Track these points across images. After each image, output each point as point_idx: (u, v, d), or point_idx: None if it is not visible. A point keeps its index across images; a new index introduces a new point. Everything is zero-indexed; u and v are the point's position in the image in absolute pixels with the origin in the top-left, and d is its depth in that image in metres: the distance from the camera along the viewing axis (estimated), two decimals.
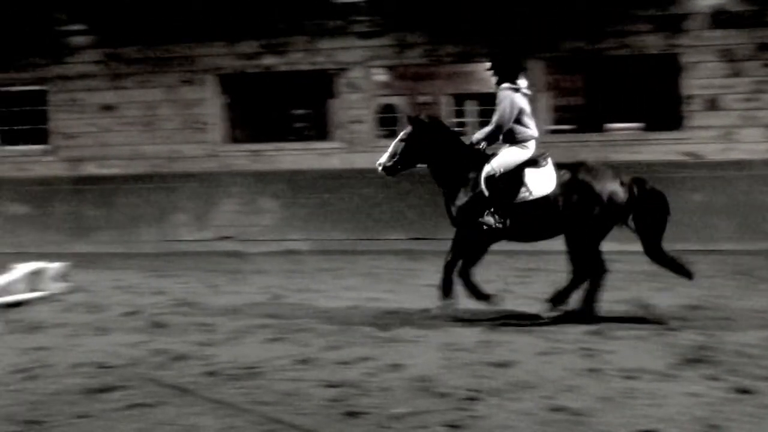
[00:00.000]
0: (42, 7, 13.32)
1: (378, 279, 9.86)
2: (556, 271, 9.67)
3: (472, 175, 7.35)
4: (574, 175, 7.23)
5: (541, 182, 7.18)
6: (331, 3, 12.16)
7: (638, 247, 7.48)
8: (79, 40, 13.35)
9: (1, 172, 13.67)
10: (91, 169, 13.33)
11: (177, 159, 12.93)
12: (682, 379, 5.61)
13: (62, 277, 9.54)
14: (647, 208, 7.29)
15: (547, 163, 7.26)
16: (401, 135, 7.64)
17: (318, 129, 15.32)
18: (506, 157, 7.26)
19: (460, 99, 17.26)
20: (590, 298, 7.33)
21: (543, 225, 7.31)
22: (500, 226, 7.23)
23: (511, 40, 11.69)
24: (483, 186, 7.20)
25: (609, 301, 7.73)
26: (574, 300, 7.44)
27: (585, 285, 7.33)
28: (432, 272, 10.07)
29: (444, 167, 7.51)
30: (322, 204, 12.34)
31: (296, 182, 12.46)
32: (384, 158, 7.60)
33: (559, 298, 7.40)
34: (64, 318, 8.12)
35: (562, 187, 7.17)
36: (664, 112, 12.31)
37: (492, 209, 7.22)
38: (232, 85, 13.16)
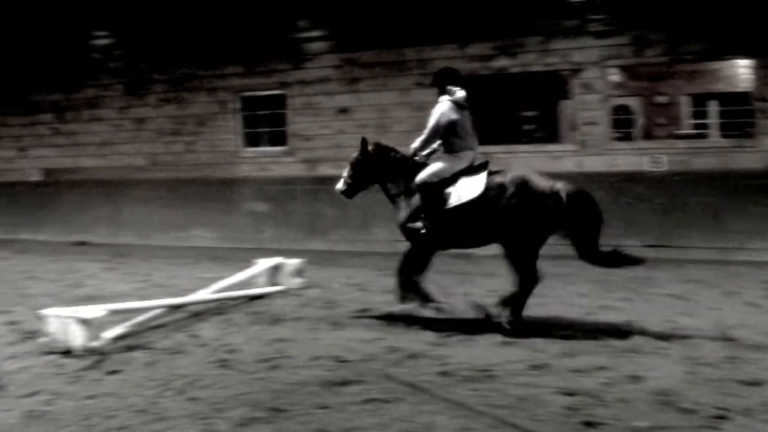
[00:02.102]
0: (283, 15, 13.97)
1: (611, 287, 9.50)
2: None
3: (410, 185, 7.76)
4: (504, 179, 7.34)
5: (471, 187, 7.40)
6: (566, 2, 11.87)
7: None
8: (317, 46, 13.88)
9: (245, 171, 14.49)
10: (326, 169, 13.80)
11: None
12: None
13: (299, 273, 9.94)
14: (579, 213, 7.23)
15: (481, 171, 7.50)
16: (351, 158, 8.23)
17: (548, 131, 15.03)
18: (437, 165, 7.60)
19: (700, 99, 16.29)
20: (517, 308, 7.25)
21: (476, 229, 7.44)
22: (425, 230, 7.54)
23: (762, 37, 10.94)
24: (418, 194, 7.60)
25: None
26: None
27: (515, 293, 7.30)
28: (668, 281, 9.66)
29: (390, 183, 7.98)
30: None
31: None
32: (340, 183, 8.21)
33: (513, 310, 7.28)
34: (301, 312, 8.44)
35: (492, 190, 7.30)
36: None
37: (422, 215, 7.56)
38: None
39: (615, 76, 13.43)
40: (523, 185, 7.26)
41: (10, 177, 17.00)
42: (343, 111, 13.67)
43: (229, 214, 14.58)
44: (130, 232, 15.45)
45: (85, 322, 6.83)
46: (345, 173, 8.21)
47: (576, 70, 11.92)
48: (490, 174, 7.47)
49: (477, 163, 7.70)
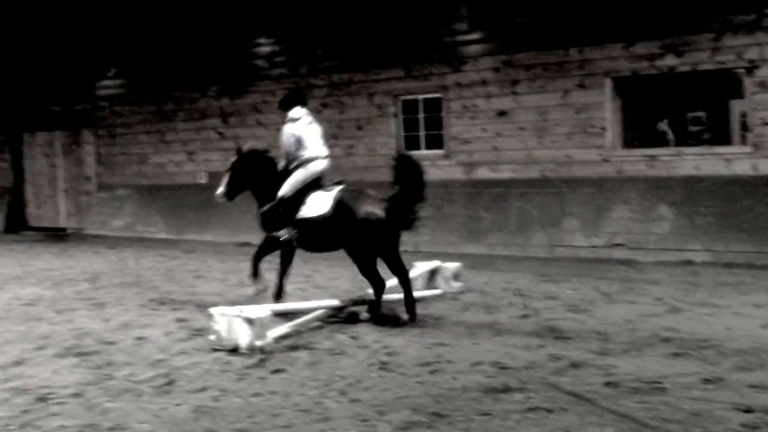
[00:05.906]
0: (441, 18, 13.97)
1: None
2: None
3: (275, 192, 8.58)
4: (342, 199, 8.20)
5: (319, 204, 8.30)
6: None
7: None
8: (475, 48, 13.78)
9: None
10: (484, 173, 13.70)
11: (568, 164, 12.82)
12: None
13: (457, 276, 9.87)
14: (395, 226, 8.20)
15: (332, 189, 8.39)
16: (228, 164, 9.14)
17: (718, 132, 14.34)
18: (293, 179, 8.49)
19: None
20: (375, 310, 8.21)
21: (321, 239, 8.37)
22: (289, 237, 8.47)
23: None
24: (279, 207, 8.49)
25: None
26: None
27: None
28: None
29: (260, 189, 8.83)
30: (724, 213, 11.46)
31: (695, 189, 11.71)
32: (222, 187, 9.01)
33: (409, 310, 8.16)
34: (460, 316, 8.38)
35: (332, 209, 8.18)
36: None
37: (283, 224, 8.49)
38: (626, 87, 12.74)
39: None
40: (342, 207, 8.13)
41: (180, 180, 17.81)
42: (502, 114, 13.49)
43: None
44: None
45: (250, 321, 7.01)
46: (225, 177, 9.06)
47: (751, 68, 11.28)
48: (338, 192, 8.32)
49: (327, 173, 8.78)
